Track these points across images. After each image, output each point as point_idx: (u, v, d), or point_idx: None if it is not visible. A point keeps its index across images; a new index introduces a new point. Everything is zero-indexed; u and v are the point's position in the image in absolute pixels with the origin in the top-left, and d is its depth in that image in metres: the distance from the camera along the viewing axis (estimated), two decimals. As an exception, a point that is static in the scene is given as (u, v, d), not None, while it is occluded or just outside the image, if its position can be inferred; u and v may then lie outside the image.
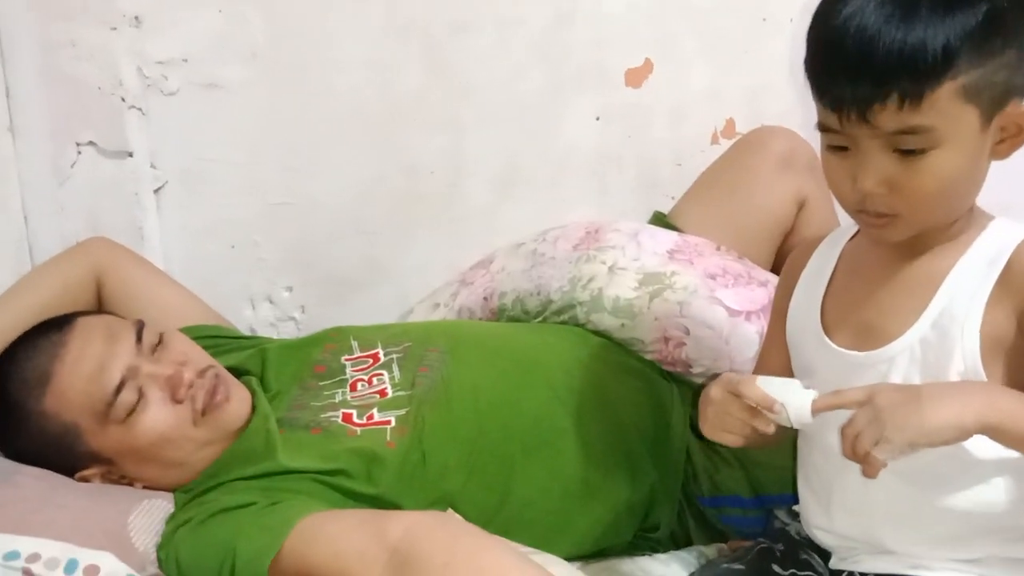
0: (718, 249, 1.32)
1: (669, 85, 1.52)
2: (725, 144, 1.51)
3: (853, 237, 0.88)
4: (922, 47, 0.69)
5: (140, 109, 1.52)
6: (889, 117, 0.71)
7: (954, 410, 0.69)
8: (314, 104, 1.53)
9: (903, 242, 0.81)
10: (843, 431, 0.70)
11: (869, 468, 0.70)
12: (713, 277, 1.26)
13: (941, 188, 0.74)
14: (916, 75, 0.70)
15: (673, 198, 1.51)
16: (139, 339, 1.07)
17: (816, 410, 0.73)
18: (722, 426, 0.80)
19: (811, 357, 0.87)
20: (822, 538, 0.89)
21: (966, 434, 0.70)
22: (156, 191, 1.55)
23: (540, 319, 1.31)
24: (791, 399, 0.76)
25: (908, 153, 0.72)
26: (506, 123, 1.54)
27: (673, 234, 1.35)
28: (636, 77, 1.52)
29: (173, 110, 1.52)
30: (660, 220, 1.45)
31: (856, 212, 0.78)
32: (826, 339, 0.84)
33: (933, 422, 0.68)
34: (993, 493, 0.79)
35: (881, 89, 0.70)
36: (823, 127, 0.76)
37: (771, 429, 0.78)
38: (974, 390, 0.73)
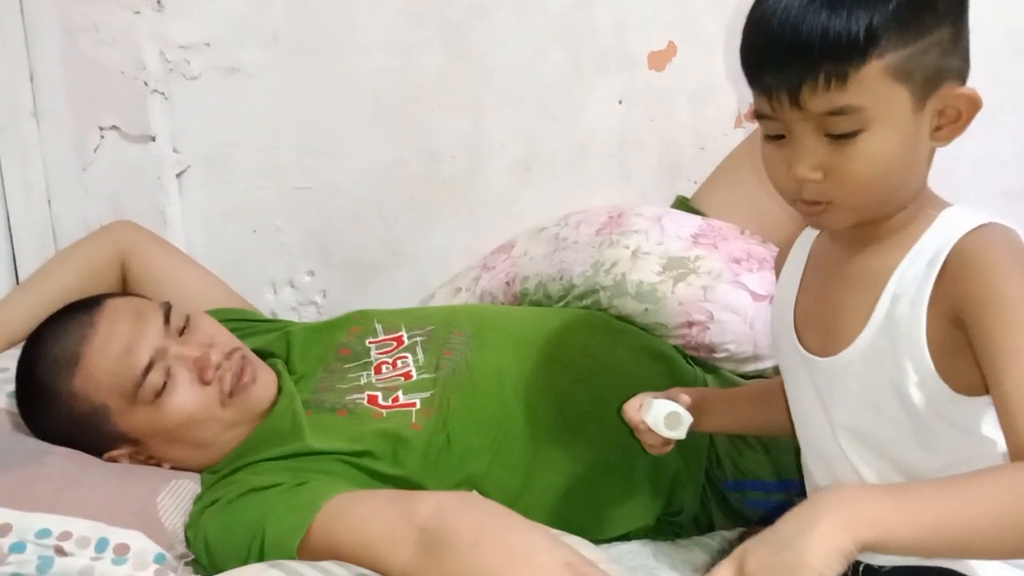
0: (742, 233, 1.32)
1: (692, 68, 1.51)
2: (749, 128, 1.50)
3: (821, 235, 0.88)
4: (845, 27, 0.69)
5: (163, 93, 1.52)
6: (817, 98, 0.70)
7: (825, 538, 0.62)
8: (335, 88, 1.54)
9: (852, 237, 0.79)
10: None
11: None
12: (738, 261, 1.25)
13: (875, 172, 0.72)
14: (840, 54, 0.69)
15: (696, 182, 1.50)
16: (167, 321, 1.07)
17: None
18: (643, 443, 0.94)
19: (787, 358, 0.87)
20: None
21: (853, 554, 0.62)
22: (178, 175, 1.56)
23: (563, 304, 1.31)
24: (649, 418, 0.89)
25: (840, 138, 0.72)
26: (527, 107, 1.54)
27: (697, 218, 1.35)
28: (659, 60, 1.51)
29: (195, 94, 1.53)
30: (683, 204, 1.44)
31: (793, 201, 0.77)
32: (796, 341, 0.84)
33: (818, 561, 0.61)
34: None
35: (807, 70, 0.70)
36: (758, 115, 0.75)
37: (652, 440, 0.92)
38: (829, 507, 0.64)
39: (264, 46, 1.52)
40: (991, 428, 0.76)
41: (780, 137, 0.75)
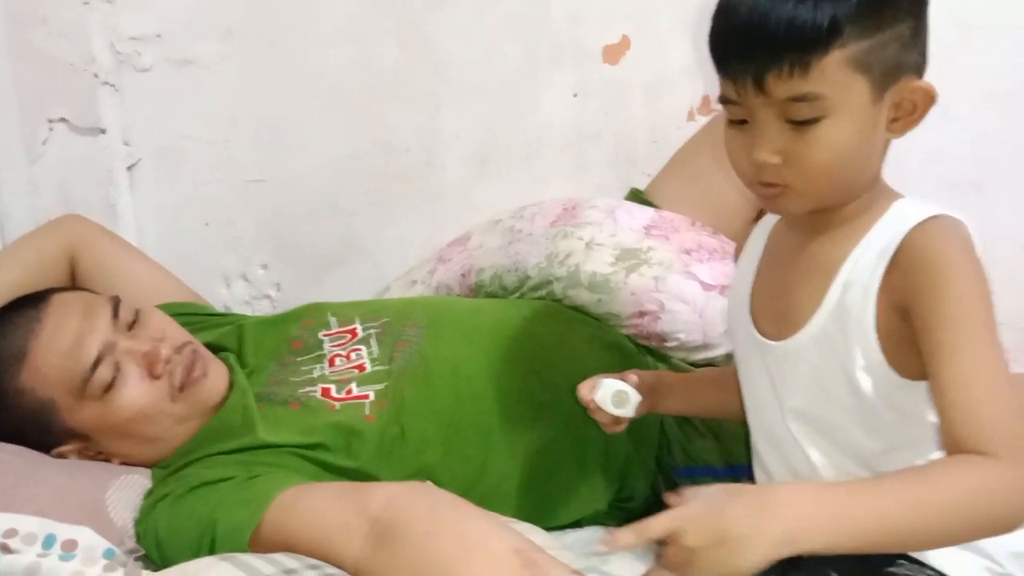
0: (693, 225, 1.33)
1: (646, 62, 1.52)
2: (701, 121, 1.52)
3: (778, 223, 0.90)
4: (810, 17, 0.72)
5: (113, 85, 1.51)
6: (781, 85, 0.73)
7: (766, 550, 0.66)
8: (289, 81, 1.53)
9: (808, 226, 0.82)
10: (660, 564, 0.69)
11: None
12: (688, 252, 1.27)
13: (832, 159, 0.75)
14: (804, 43, 0.72)
15: (649, 175, 1.51)
16: (115, 315, 1.06)
17: (620, 547, 0.70)
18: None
19: (742, 343, 0.89)
20: None
21: (775, 557, 0.67)
22: (129, 168, 1.54)
23: (518, 295, 1.32)
24: (598, 396, 0.93)
25: (801, 124, 0.74)
26: (483, 99, 1.54)
27: (649, 210, 1.36)
28: (613, 54, 1.52)
29: (147, 86, 1.51)
30: (637, 196, 1.46)
31: (752, 184, 0.79)
32: (751, 326, 0.86)
33: (749, 564, 0.66)
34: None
35: (772, 58, 0.73)
36: (724, 99, 0.78)
37: (603, 418, 0.94)
38: (779, 517, 0.67)
39: (218, 38, 1.51)
40: (935, 414, 0.79)
41: (743, 122, 0.77)
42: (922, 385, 0.77)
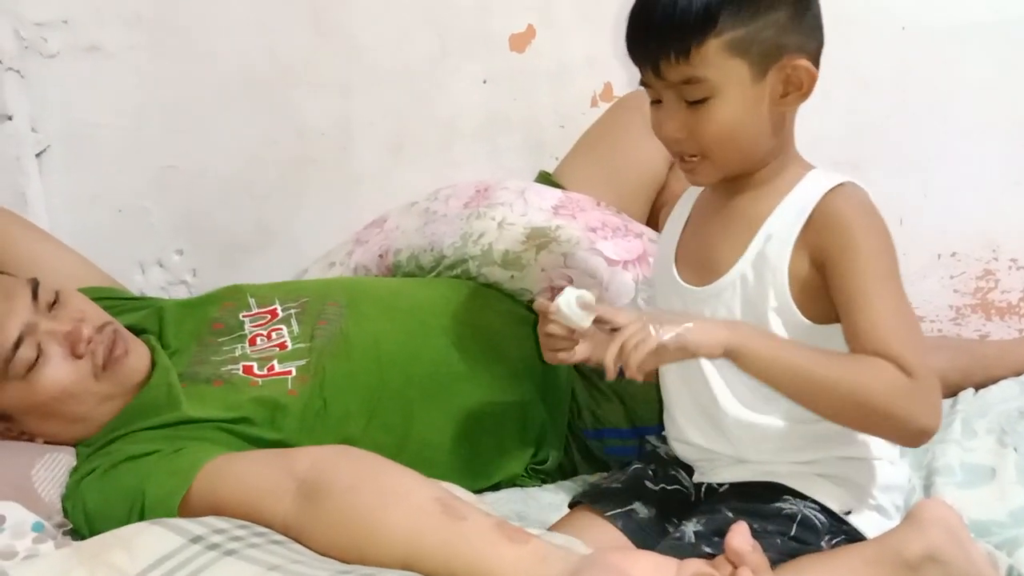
0: (598, 204, 1.41)
1: (551, 50, 1.59)
2: (604, 107, 1.59)
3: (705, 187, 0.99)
4: (687, 10, 0.83)
5: (18, 72, 1.49)
6: (671, 69, 0.84)
7: (716, 330, 0.82)
8: (200, 67, 1.54)
9: (730, 188, 0.92)
10: (616, 340, 0.81)
11: (632, 370, 0.80)
12: (594, 230, 1.35)
13: (723, 132, 0.86)
14: (683, 33, 0.83)
15: (557, 158, 1.58)
16: (35, 297, 1.07)
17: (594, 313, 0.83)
18: (545, 347, 0.95)
19: (666, 292, 0.99)
20: (681, 451, 0.99)
21: (725, 349, 0.82)
22: (38, 155, 1.53)
23: (434, 274, 1.37)
24: (561, 299, 0.87)
25: (695, 103, 0.85)
26: (395, 86, 1.58)
27: (557, 191, 1.43)
28: (520, 42, 1.58)
29: (54, 73, 1.50)
30: (546, 179, 1.52)
31: (675, 155, 0.91)
32: (675, 273, 0.96)
33: (705, 338, 0.81)
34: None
35: (660, 47, 0.84)
36: (643, 83, 0.89)
37: (557, 330, 0.91)
38: (723, 322, 0.84)
39: (126, 24, 1.51)
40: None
41: (659, 102, 0.88)
42: (821, 328, 0.88)
